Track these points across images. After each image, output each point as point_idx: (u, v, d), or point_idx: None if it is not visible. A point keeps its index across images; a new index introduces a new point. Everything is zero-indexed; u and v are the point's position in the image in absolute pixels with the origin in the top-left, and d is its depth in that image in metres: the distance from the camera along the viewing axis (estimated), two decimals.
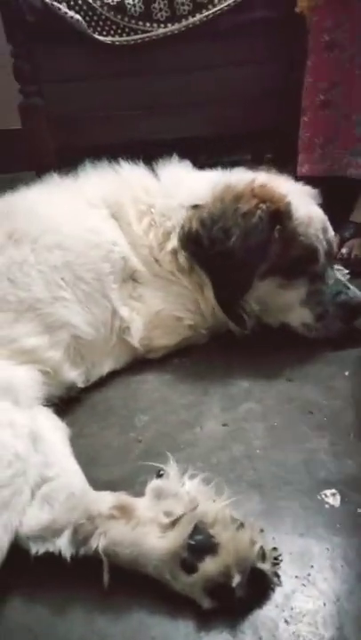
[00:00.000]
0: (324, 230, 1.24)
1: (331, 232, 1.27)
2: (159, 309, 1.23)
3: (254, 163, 2.32)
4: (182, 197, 1.26)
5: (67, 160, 2.36)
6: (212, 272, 1.19)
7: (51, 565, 0.73)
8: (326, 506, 0.81)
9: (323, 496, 0.83)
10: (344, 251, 1.62)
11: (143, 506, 0.75)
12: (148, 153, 1.43)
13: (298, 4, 1.73)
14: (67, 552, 0.71)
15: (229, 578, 0.66)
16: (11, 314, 1.06)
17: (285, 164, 1.67)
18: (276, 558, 0.72)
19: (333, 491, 0.84)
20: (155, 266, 1.25)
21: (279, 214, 1.17)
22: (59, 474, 0.82)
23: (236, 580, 0.66)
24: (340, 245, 1.64)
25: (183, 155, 1.41)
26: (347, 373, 1.13)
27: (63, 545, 0.72)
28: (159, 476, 0.81)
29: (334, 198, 1.38)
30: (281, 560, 0.72)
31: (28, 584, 0.73)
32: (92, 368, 1.17)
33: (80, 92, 2.20)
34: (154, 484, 0.79)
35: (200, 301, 1.26)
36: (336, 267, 1.48)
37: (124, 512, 0.74)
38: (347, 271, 1.46)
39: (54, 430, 0.93)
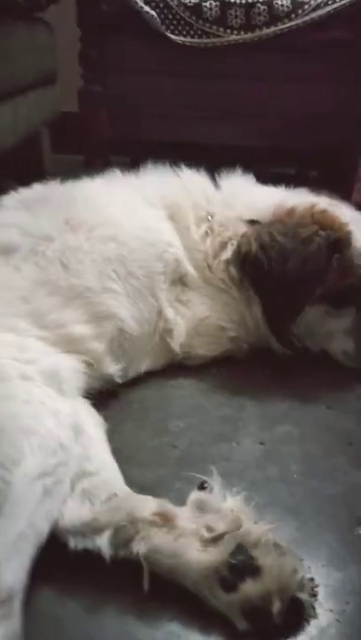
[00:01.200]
0: None
1: None
2: (204, 316, 1.23)
3: (299, 179, 2.31)
4: (241, 210, 1.26)
5: (120, 152, 2.39)
6: (264, 293, 1.19)
7: (87, 563, 0.72)
8: None
9: (359, 532, 0.82)
10: None
11: (185, 517, 0.74)
12: (199, 155, 1.43)
13: None
14: (106, 552, 0.71)
15: (269, 603, 0.66)
16: (61, 298, 1.06)
17: (329, 186, 1.66)
18: (313, 589, 0.71)
19: None
20: (207, 272, 1.25)
21: (339, 243, 1.17)
22: (98, 469, 0.82)
23: (277, 606, 0.66)
24: None
25: (228, 161, 1.40)
26: None
27: (103, 544, 0.71)
28: (202, 488, 0.80)
29: None
30: (318, 592, 0.72)
31: (62, 578, 0.72)
32: (131, 364, 1.17)
33: (142, 86, 2.22)
34: (196, 495, 0.78)
35: (246, 315, 1.25)
36: None
37: (165, 520, 0.73)
38: None
39: (94, 424, 0.93)
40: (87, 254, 1.12)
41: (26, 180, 1.32)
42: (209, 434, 1.04)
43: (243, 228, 1.23)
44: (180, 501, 0.79)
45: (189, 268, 1.24)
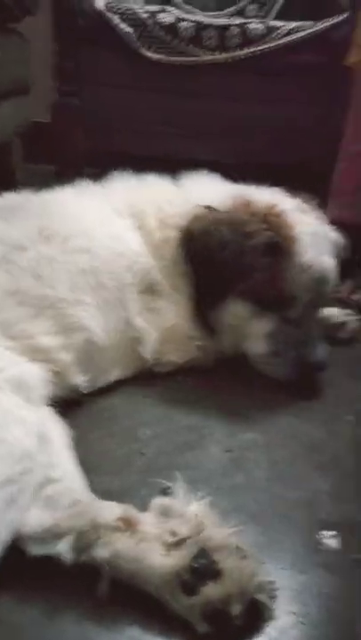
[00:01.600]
0: (321, 282, 1.20)
1: (330, 286, 1.23)
2: (173, 324, 1.23)
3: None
4: (201, 201, 1.24)
5: (92, 163, 2.40)
6: (196, 274, 1.20)
7: (47, 570, 0.72)
8: (325, 547, 0.82)
9: (322, 537, 0.84)
10: (357, 297, 1.65)
11: (149, 522, 0.74)
12: (174, 170, 1.45)
13: (349, 57, 1.78)
14: (67, 557, 0.70)
15: (229, 605, 0.66)
16: (31, 309, 1.06)
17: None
18: (272, 592, 0.72)
19: (333, 533, 0.84)
20: (175, 278, 1.24)
21: (277, 248, 1.15)
22: (62, 477, 0.82)
23: (236, 608, 0.66)
24: (353, 292, 1.68)
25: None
26: (350, 418, 1.15)
27: (64, 549, 0.71)
28: (166, 493, 0.81)
29: (357, 246, 1.41)
30: (277, 595, 0.72)
31: (22, 585, 0.71)
32: (100, 374, 1.17)
33: (117, 100, 2.25)
34: (160, 500, 0.79)
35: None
36: (347, 311, 1.52)
37: (128, 525, 0.73)
38: (358, 317, 1.51)
39: (59, 433, 0.92)
40: (61, 265, 1.12)
41: None
42: (176, 442, 1.04)
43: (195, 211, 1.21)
44: (146, 508, 0.79)
45: (158, 276, 1.24)
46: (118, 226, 1.25)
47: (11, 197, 1.27)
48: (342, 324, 1.49)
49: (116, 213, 1.27)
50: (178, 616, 0.68)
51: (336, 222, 1.35)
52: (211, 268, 1.17)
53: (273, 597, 0.71)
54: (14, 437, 0.78)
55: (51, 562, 0.71)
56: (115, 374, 1.20)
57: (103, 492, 0.85)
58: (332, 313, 1.49)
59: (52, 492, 0.78)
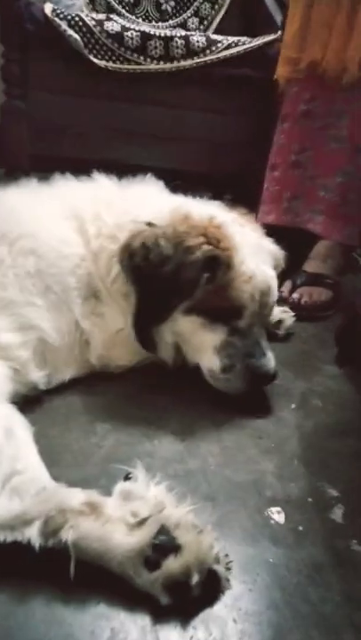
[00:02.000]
0: (265, 292, 1.19)
1: (273, 296, 1.23)
2: (118, 329, 1.25)
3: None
4: (139, 214, 1.22)
5: (40, 166, 2.40)
6: (137, 291, 1.18)
7: (14, 556, 0.75)
8: (272, 522, 0.90)
9: (269, 513, 0.92)
10: (295, 296, 1.77)
11: (112, 505, 0.79)
12: (119, 175, 1.49)
13: (277, 72, 1.91)
14: (35, 542, 0.74)
15: (189, 577, 0.72)
16: None
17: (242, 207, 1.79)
18: (227, 564, 0.79)
19: (278, 509, 0.92)
20: (114, 285, 1.23)
21: (217, 260, 1.14)
22: (27, 468, 0.85)
23: (195, 578, 0.72)
24: (292, 291, 1.81)
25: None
26: (293, 406, 1.25)
27: (33, 535, 0.74)
28: (127, 479, 0.86)
29: (292, 248, 1.51)
30: (231, 566, 0.79)
31: None
32: (55, 373, 1.21)
33: (64, 105, 2.27)
34: (122, 485, 0.83)
35: None
36: (283, 308, 1.63)
37: (93, 509, 0.77)
38: (293, 314, 1.61)
39: (22, 427, 0.95)
40: (10, 268, 1.14)
41: None
42: (133, 434, 1.10)
43: (134, 227, 1.19)
44: (108, 495, 0.84)
45: (100, 284, 1.23)
46: (63, 227, 1.24)
47: None
48: (280, 322, 1.58)
49: (63, 215, 1.26)
50: (141, 591, 0.73)
51: (270, 227, 1.44)
52: (152, 285, 1.15)
53: (229, 569, 0.78)
54: None
55: (20, 547, 0.74)
56: (69, 373, 1.23)
57: (66, 482, 0.88)
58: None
59: (17, 483, 0.81)
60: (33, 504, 0.77)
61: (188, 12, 2.75)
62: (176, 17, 2.74)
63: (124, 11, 2.67)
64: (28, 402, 1.11)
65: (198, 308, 1.17)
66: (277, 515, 0.92)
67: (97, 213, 1.27)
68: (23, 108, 2.23)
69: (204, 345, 1.20)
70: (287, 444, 1.11)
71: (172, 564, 0.73)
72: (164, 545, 0.74)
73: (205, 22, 2.75)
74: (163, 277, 1.13)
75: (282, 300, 1.74)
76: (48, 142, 2.29)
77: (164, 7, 2.75)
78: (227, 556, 0.80)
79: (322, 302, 1.78)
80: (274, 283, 1.23)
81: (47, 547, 0.74)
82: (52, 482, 0.84)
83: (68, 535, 0.74)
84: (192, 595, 0.73)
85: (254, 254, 1.20)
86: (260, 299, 1.18)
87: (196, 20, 2.74)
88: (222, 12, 2.77)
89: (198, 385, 1.25)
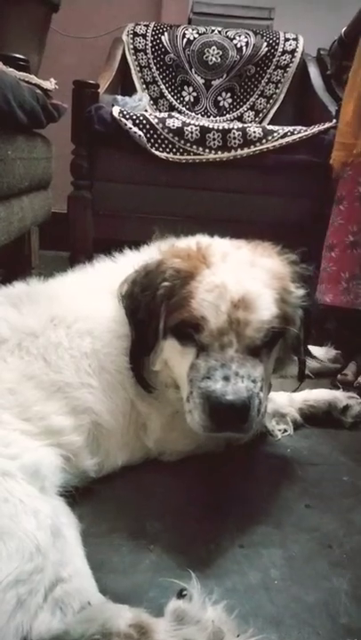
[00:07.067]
0: (236, 305, 1.02)
1: (252, 312, 1.02)
2: (175, 411, 1.19)
3: None
4: None
5: (103, 249, 2.52)
6: (131, 327, 1.15)
7: None
8: None
9: None
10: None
11: (163, 629, 0.70)
12: None
13: (333, 156, 1.94)
14: None
15: None
16: (44, 392, 1.07)
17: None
18: None
19: None
20: None
21: (179, 273, 1.07)
22: (72, 575, 0.78)
23: None
24: (357, 374, 1.70)
25: None
26: None
27: None
28: (181, 596, 0.77)
29: (357, 329, 1.44)
30: None
31: None
32: (107, 458, 1.15)
33: (126, 194, 2.40)
34: (175, 604, 0.74)
35: None
36: (350, 394, 1.51)
37: (142, 633, 0.69)
38: (360, 400, 1.49)
39: (70, 526, 0.89)
40: (67, 350, 1.14)
41: (14, 272, 1.37)
42: (186, 536, 1.00)
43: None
44: (156, 610, 0.75)
45: None
46: (115, 307, 1.22)
47: (20, 286, 1.30)
48: (346, 408, 1.47)
49: (112, 295, 1.22)
50: None
51: (330, 306, 1.38)
52: (136, 316, 1.13)
53: None
54: (26, 531, 0.75)
55: None
56: (122, 459, 1.17)
57: (112, 592, 0.81)
58: (336, 396, 1.49)
59: (61, 594, 0.74)
60: (76, 622, 0.69)
61: (245, 106, 2.93)
62: (233, 111, 2.92)
63: (184, 109, 2.89)
64: (77, 493, 1.05)
65: (169, 326, 1.09)
66: None
67: None
68: (89, 197, 2.38)
69: (181, 371, 1.09)
70: (360, 554, 0.98)
71: None
72: None
73: (261, 115, 2.91)
74: (143, 305, 1.12)
75: (347, 385, 1.63)
76: (111, 227, 2.41)
77: (221, 104, 2.94)
78: None
79: None
80: (256, 299, 1.04)
81: None
82: (98, 594, 0.77)
83: None
84: None
85: (235, 269, 1.06)
86: (228, 312, 1.01)
87: (251, 113, 2.91)
88: (277, 106, 2.93)
89: (257, 477, 1.16)
